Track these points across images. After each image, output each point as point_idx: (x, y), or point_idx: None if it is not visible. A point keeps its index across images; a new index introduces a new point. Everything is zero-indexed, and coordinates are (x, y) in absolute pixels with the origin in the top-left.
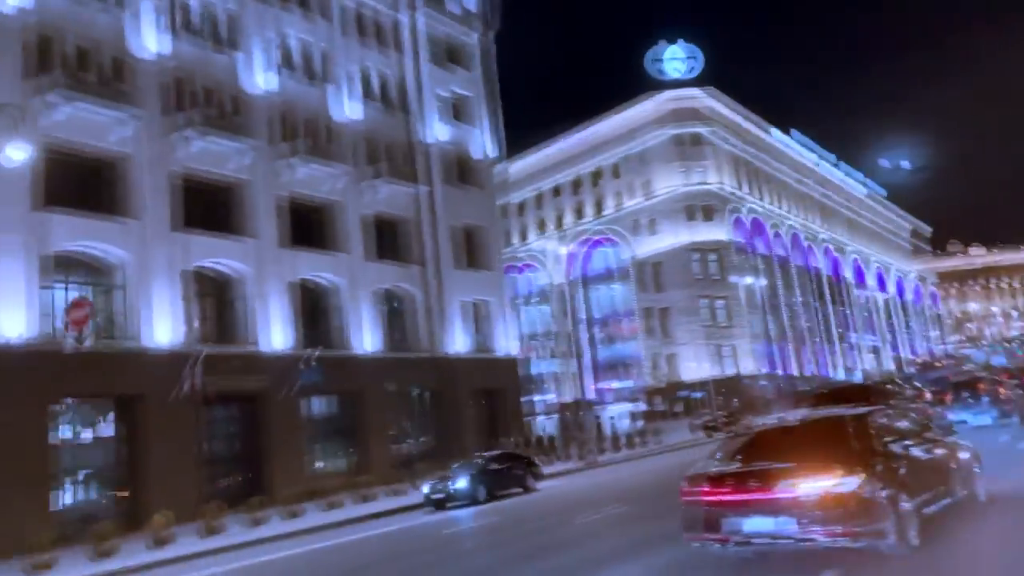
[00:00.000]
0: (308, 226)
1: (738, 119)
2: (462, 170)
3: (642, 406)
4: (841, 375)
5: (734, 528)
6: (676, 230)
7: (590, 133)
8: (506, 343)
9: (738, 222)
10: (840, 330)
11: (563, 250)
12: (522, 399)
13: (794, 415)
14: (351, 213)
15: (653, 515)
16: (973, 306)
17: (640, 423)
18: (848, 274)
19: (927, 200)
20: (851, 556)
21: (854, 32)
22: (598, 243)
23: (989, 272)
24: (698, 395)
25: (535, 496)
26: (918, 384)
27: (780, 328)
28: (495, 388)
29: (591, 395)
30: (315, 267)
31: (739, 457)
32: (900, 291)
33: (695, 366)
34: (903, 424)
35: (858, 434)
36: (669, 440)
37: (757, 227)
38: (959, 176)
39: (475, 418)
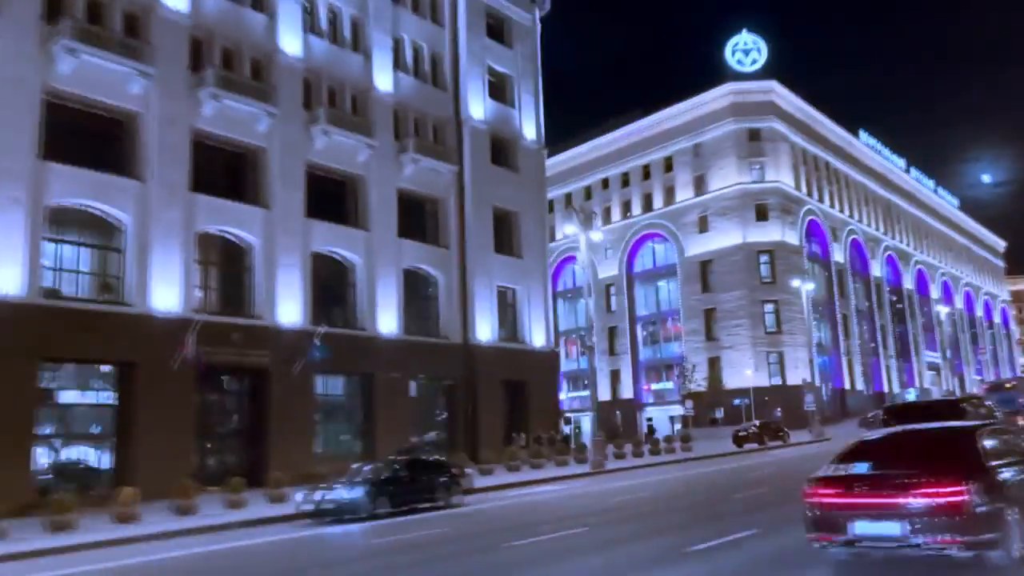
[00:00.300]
0: (328, 198)
1: (804, 117)
2: (498, 151)
3: (690, 409)
4: (897, 391)
5: (851, 530)
6: (729, 228)
7: (645, 125)
8: (539, 335)
9: (796, 224)
10: (898, 344)
11: (605, 242)
12: (558, 395)
13: (905, 427)
14: (376, 188)
15: (604, 542)
16: None
17: (678, 428)
18: (910, 285)
19: (1008, 216)
20: (959, 565)
21: (945, 40)
22: (646, 239)
23: None
24: (741, 402)
25: (456, 512)
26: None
27: (833, 338)
28: (523, 381)
29: (633, 396)
30: (332, 241)
31: (857, 463)
32: (969, 307)
33: (740, 372)
34: (1008, 440)
35: (970, 447)
36: (699, 449)
37: (816, 230)
38: None
39: (498, 411)
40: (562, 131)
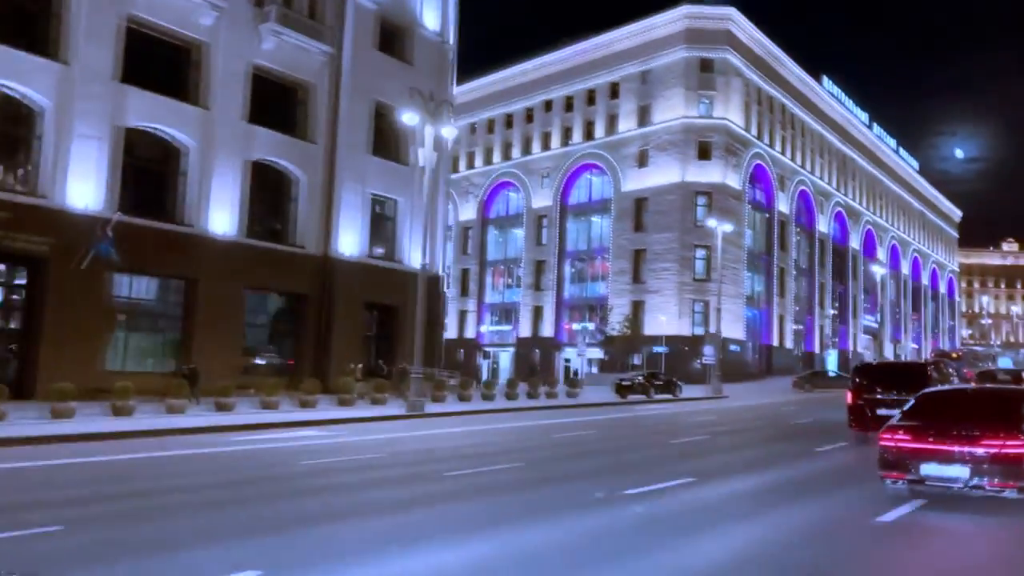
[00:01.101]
0: (157, 64)
1: (762, 52)
2: (389, 38)
3: (583, 348)
4: (831, 354)
5: (918, 471)
6: (669, 165)
7: (593, 45)
8: (422, 254)
9: (740, 167)
10: (836, 304)
11: (544, 173)
12: (442, 324)
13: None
14: (222, 60)
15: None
16: (992, 303)
17: (594, 371)
18: (856, 244)
19: (975, 192)
20: (1008, 504)
21: (935, 14)
22: (584, 169)
23: (1017, 272)
24: (660, 351)
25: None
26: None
27: (767, 292)
28: (394, 305)
29: (554, 334)
30: (155, 115)
31: (923, 414)
32: (915, 273)
33: (664, 319)
34: None
35: (1021, 408)
36: (585, 397)
37: (762, 176)
38: (1018, 173)
39: (357, 336)
40: (510, 45)
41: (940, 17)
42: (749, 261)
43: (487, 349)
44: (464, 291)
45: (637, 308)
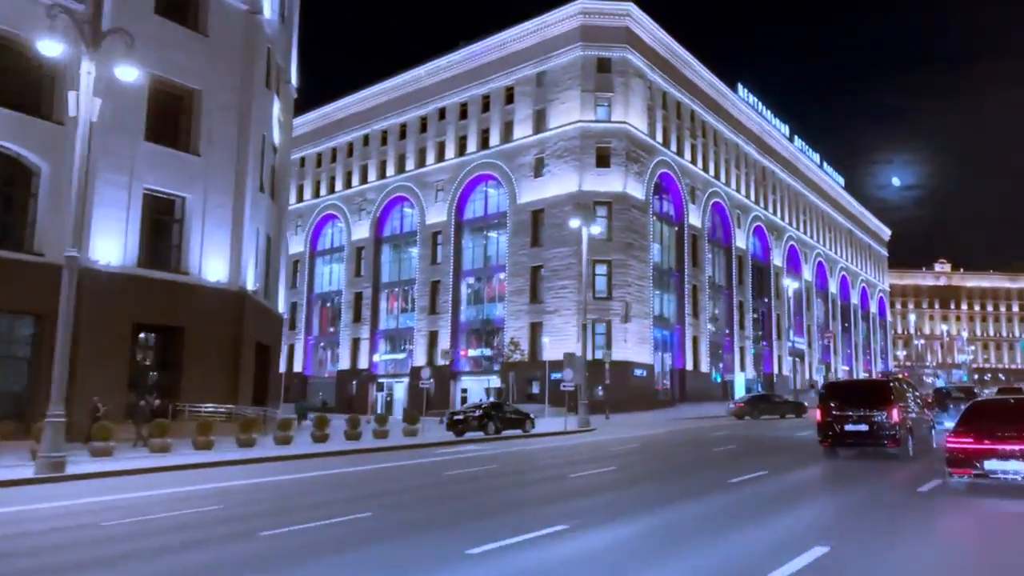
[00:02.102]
0: None
1: (666, 53)
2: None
3: (497, 382)
4: (742, 379)
5: (983, 467)
6: (565, 174)
7: (487, 47)
8: (218, 266)
9: (644, 176)
10: (759, 325)
11: (441, 186)
12: (248, 350)
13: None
14: None
15: None
16: (928, 324)
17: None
18: (779, 262)
19: (908, 215)
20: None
21: (865, 39)
22: (480, 181)
23: (949, 292)
24: (558, 377)
25: None
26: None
27: (679, 312)
28: (178, 326)
29: (450, 361)
30: None
31: (977, 420)
32: (844, 293)
33: (562, 341)
34: None
35: None
36: (424, 436)
37: (670, 186)
38: (950, 199)
39: (120, 366)
40: (402, 52)
41: (870, 45)
42: (657, 278)
43: (382, 380)
44: (357, 317)
45: (535, 330)
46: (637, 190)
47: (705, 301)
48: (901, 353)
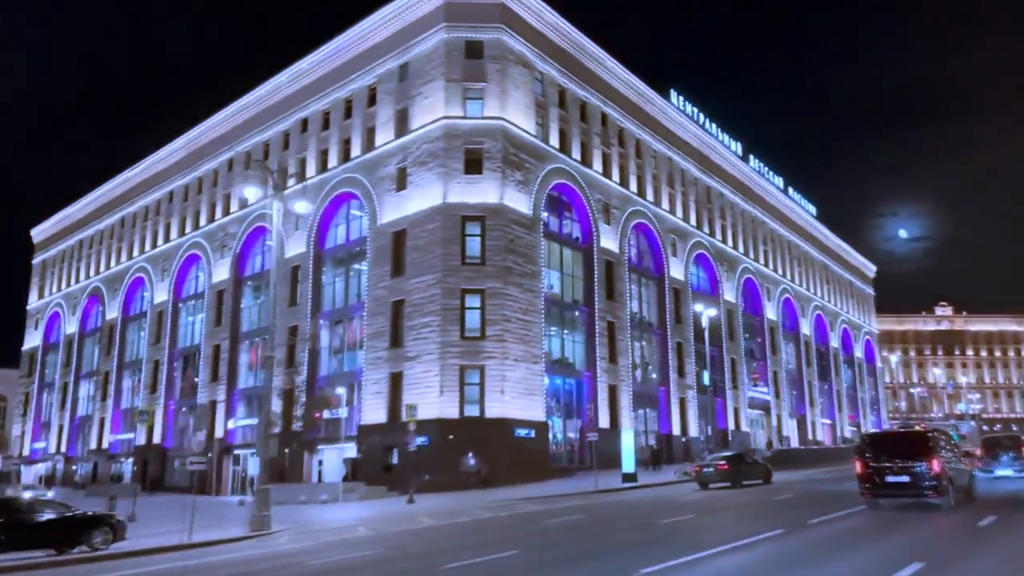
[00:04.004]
0: None
1: (562, 42)
2: None
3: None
4: (630, 439)
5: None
6: (428, 184)
7: (346, 43)
8: None
9: (530, 184)
10: (706, 372)
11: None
12: None
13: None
14: None
15: None
16: (929, 372)
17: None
18: (732, 297)
19: (913, 267)
20: None
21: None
22: (342, 200)
23: (952, 337)
24: (422, 443)
25: None
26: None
27: (589, 355)
28: None
29: (310, 428)
30: None
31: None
32: (822, 335)
33: (425, 395)
34: None
35: None
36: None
37: (573, 200)
38: (952, 245)
39: None
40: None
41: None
42: (556, 313)
43: (237, 452)
44: (215, 375)
45: (396, 383)
46: (521, 203)
47: (627, 342)
48: (901, 404)
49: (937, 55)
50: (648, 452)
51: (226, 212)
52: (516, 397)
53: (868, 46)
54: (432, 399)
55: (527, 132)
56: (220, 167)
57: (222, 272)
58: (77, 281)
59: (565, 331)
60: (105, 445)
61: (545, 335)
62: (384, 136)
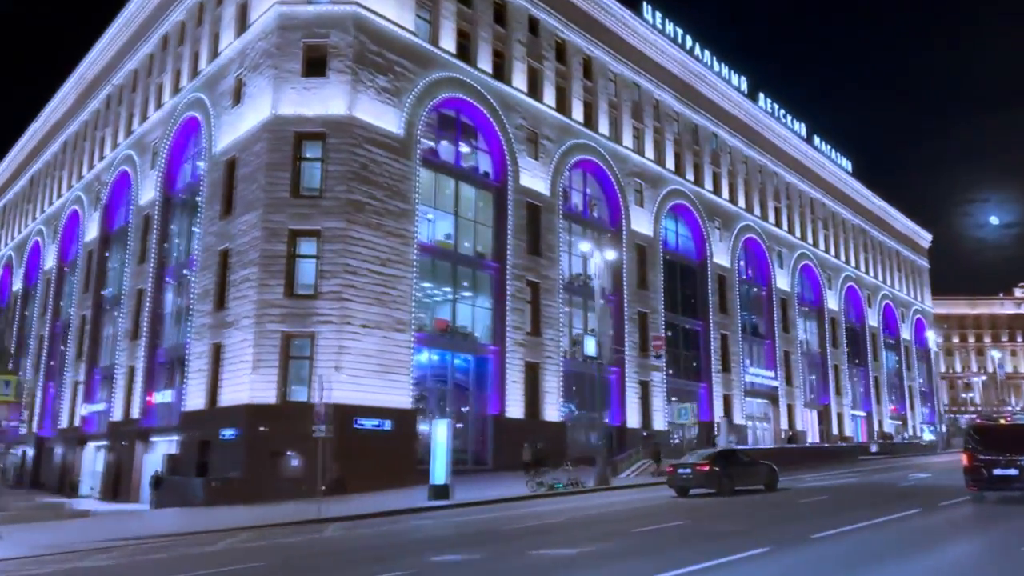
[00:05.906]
0: None
1: None
2: None
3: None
4: (445, 430)
5: None
6: (260, 94)
7: None
8: None
9: (404, 95)
10: (691, 351)
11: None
12: None
13: None
14: None
15: None
16: (1008, 360)
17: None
18: (725, 261)
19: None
20: None
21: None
22: (189, 130)
23: None
24: (232, 435)
25: None
26: None
27: (499, 324)
28: None
29: (145, 415)
30: None
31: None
32: (857, 311)
33: (238, 375)
34: None
35: None
36: None
37: (476, 121)
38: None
39: None
40: None
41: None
42: (447, 268)
43: (93, 444)
44: (79, 353)
45: (216, 356)
46: (385, 118)
47: (558, 308)
48: (976, 395)
49: None
50: (530, 452)
51: (101, 157)
52: (364, 376)
53: (960, 25)
54: (243, 378)
55: (400, 26)
56: (101, 107)
57: (92, 230)
58: None
59: (462, 293)
60: None
61: (426, 297)
62: (227, 39)
